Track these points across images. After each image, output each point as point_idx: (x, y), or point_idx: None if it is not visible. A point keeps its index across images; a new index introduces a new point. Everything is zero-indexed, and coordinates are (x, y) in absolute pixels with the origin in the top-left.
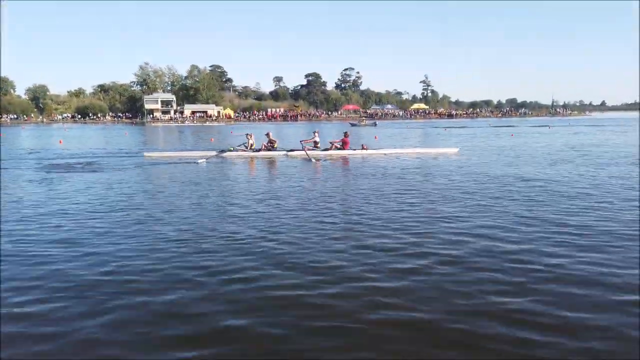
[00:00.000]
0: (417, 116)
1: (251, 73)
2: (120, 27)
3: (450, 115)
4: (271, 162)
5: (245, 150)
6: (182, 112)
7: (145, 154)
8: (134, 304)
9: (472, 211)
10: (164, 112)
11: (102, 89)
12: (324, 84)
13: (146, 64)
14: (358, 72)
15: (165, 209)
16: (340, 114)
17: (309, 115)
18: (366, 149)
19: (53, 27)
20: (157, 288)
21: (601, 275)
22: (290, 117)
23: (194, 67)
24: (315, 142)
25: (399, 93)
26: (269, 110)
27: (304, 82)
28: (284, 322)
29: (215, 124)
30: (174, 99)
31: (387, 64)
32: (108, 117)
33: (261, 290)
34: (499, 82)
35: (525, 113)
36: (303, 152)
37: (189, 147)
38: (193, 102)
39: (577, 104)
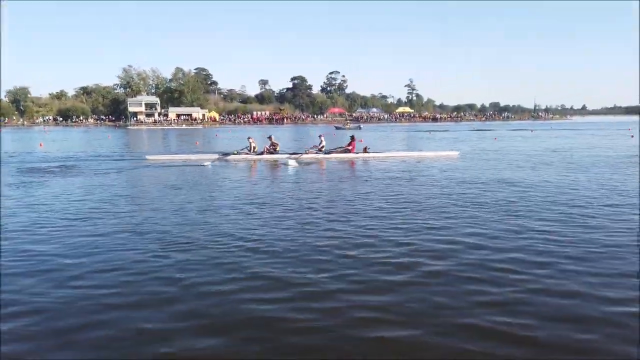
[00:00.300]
0: (402, 120)
1: (236, 76)
2: (104, 29)
3: (434, 119)
4: (273, 165)
5: (248, 154)
6: (166, 115)
7: (148, 157)
8: (101, 321)
9: (469, 219)
10: (148, 115)
11: (85, 91)
12: (310, 87)
13: (130, 66)
14: (344, 76)
15: (164, 215)
16: (326, 117)
17: (295, 118)
18: (368, 152)
19: (33, 27)
20: (128, 304)
21: (591, 287)
22: (276, 120)
23: (178, 69)
24: (322, 147)
25: (384, 97)
26: (255, 113)
27: (290, 85)
28: (261, 341)
29: (200, 127)
30: (158, 101)
31: (372, 68)
32: (91, 120)
33: (237, 304)
34: (483, 86)
35: (508, 117)
36: (305, 155)
37: (186, 151)
38: (177, 105)
39: (559, 108)
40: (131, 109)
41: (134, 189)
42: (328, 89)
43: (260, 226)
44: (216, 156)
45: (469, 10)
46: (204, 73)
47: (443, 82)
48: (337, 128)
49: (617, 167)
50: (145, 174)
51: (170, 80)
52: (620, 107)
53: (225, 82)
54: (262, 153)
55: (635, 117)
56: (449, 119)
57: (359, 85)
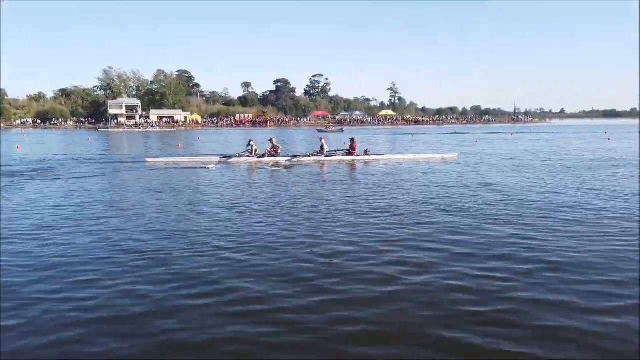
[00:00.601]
0: (385, 122)
1: (219, 79)
2: (84, 30)
3: (417, 122)
4: (274, 168)
5: (249, 156)
6: (147, 118)
7: (147, 159)
8: (86, 320)
9: (466, 217)
10: (129, 118)
11: (64, 93)
12: (293, 90)
13: (110, 68)
14: (327, 79)
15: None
16: (309, 120)
17: (279, 121)
18: (369, 154)
19: (9, 27)
20: (115, 304)
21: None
22: (260, 122)
23: (160, 71)
24: (324, 149)
25: (367, 100)
26: (238, 116)
27: (273, 88)
28: (247, 338)
29: (183, 129)
30: (139, 104)
31: (355, 71)
32: (70, 123)
33: (224, 305)
34: (464, 90)
35: (489, 120)
36: (308, 158)
37: (182, 154)
38: (159, 107)
39: (538, 112)
40: (112, 111)
41: (136, 193)
42: (311, 92)
43: (235, 233)
44: (217, 159)
45: (450, 15)
46: (186, 75)
47: (425, 85)
48: (319, 131)
49: (604, 170)
50: (150, 176)
51: (152, 82)
52: (598, 111)
53: (207, 84)
54: (263, 155)
55: (611, 121)
56: (431, 122)
57: (342, 88)
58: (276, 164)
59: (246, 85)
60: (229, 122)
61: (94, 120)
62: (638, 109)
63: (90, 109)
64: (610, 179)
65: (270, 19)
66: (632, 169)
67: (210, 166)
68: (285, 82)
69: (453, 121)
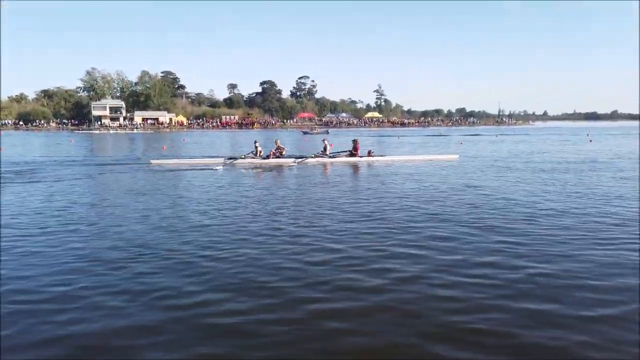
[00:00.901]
0: (371, 124)
1: (205, 80)
2: (67, 30)
3: (402, 124)
4: (278, 169)
5: (254, 158)
6: (132, 119)
7: (152, 161)
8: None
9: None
10: (113, 119)
11: (46, 94)
12: (279, 91)
13: (93, 69)
14: (313, 81)
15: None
16: (296, 122)
17: (265, 123)
18: (372, 155)
19: None
20: (79, 316)
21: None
22: (246, 124)
23: (144, 72)
24: (327, 150)
25: (354, 102)
26: (224, 117)
27: (259, 89)
28: (224, 356)
29: (168, 131)
30: (124, 105)
31: (342, 73)
32: (52, 124)
33: (197, 317)
34: (449, 92)
35: (473, 122)
36: (311, 159)
37: (184, 155)
38: (144, 109)
39: (522, 114)
40: (95, 112)
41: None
42: (298, 93)
43: (226, 234)
44: (222, 160)
45: (435, 17)
46: (171, 77)
47: (411, 87)
48: (304, 133)
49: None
50: (156, 178)
51: (136, 83)
52: (580, 113)
53: (193, 86)
54: (268, 157)
55: (592, 123)
56: (417, 124)
57: (329, 90)
58: (302, 162)
59: (232, 86)
60: (214, 123)
61: (77, 122)
62: (619, 112)
63: (73, 111)
64: (610, 183)
65: (256, 20)
66: (615, 170)
67: (217, 167)
68: (272, 84)
69: (438, 123)
